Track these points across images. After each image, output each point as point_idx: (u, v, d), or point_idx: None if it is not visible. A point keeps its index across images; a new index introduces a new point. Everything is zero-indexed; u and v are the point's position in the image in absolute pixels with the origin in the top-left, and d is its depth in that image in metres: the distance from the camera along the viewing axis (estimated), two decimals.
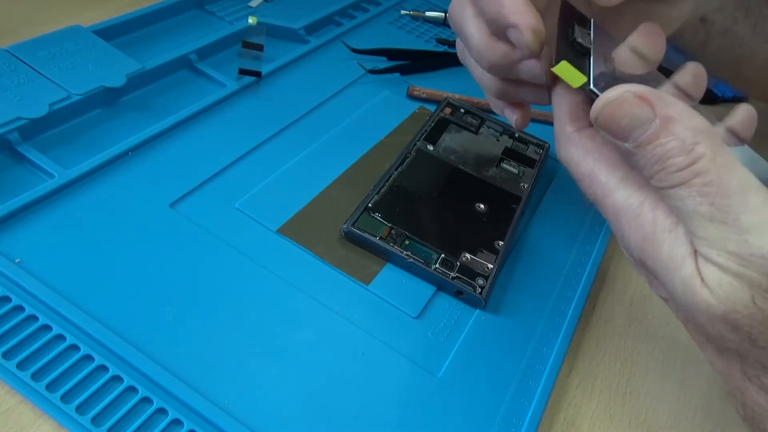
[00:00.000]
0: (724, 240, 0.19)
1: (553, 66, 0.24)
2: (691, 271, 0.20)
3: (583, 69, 0.24)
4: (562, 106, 0.26)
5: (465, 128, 0.42)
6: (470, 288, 0.31)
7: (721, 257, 0.19)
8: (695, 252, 0.20)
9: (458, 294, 0.31)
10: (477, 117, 0.43)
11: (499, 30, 0.26)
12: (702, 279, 0.20)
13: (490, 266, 0.32)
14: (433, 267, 0.31)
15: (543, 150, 0.42)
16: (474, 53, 0.28)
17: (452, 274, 0.31)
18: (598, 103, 0.21)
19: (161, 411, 0.24)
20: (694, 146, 0.20)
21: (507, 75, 0.28)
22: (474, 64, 0.30)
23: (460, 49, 0.32)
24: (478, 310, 0.32)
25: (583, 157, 0.24)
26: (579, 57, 0.24)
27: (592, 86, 0.23)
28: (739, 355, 0.21)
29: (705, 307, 0.20)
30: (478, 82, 0.31)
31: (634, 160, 0.21)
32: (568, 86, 0.24)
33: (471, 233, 0.34)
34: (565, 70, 0.24)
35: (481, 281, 0.31)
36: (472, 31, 0.27)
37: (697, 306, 0.20)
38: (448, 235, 0.33)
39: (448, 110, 0.43)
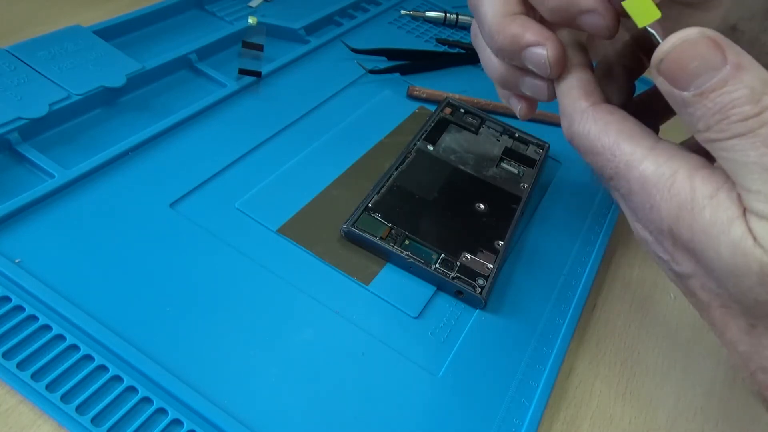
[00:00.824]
0: None
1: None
2: (741, 232, 0.20)
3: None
4: (573, 81, 0.25)
5: (465, 128, 0.42)
6: (470, 288, 0.31)
7: None
8: (744, 212, 0.20)
9: (458, 294, 0.31)
10: (477, 117, 0.43)
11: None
12: (755, 238, 0.19)
13: (490, 266, 0.32)
14: (433, 267, 0.31)
15: (543, 150, 0.42)
16: (486, 32, 0.27)
17: (452, 274, 0.31)
18: (665, 45, 0.20)
19: (161, 411, 0.24)
20: (762, 96, 0.19)
21: (514, 61, 0.27)
22: (483, 47, 0.29)
23: (474, 33, 0.31)
24: (478, 310, 0.32)
25: (603, 129, 0.23)
26: None
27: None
28: None
29: (758, 266, 0.19)
30: (485, 67, 0.30)
31: (688, 112, 0.20)
32: (580, 62, 0.24)
33: (471, 233, 0.34)
34: (636, 4, 0.21)
35: (481, 281, 0.31)
36: (487, 9, 0.27)
37: (749, 267, 0.19)
38: (448, 235, 0.33)
39: (448, 110, 0.43)
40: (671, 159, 0.22)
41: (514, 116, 0.45)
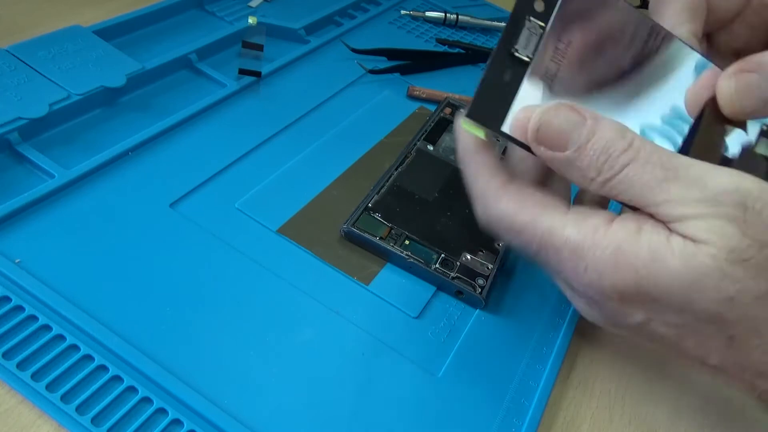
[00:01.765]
0: (686, 192, 0.20)
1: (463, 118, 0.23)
2: (680, 243, 0.20)
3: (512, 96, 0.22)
4: (480, 161, 0.25)
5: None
6: (470, 288, 0.31)
7: (694, 207, 0.20)
8: (668, 228, 0.21)
9: (458, 294, 0.31)
10: None
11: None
12: (693, 240, 0.20)
13: (490, 266, 0.32)
14: (433, 267, 0.31)
15: None
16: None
17: (452, 274, 0.31)
18: (534, 116, 0.22)
19: (161, 411, 0.24)
20: (624, 132, 0.21)
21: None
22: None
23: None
24: (478, 310, 0.32)
25: (519, 207, 0.24)
26: (516, 75, 0.22)
27: (507, 129, 0.22)
28: (757, 330, 0.21)
29: (711, 261, 0.20)
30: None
31: (576, 166, 0.22)
32: (483, 141, 0.24)
33: (471, 233, 0.34)
34: (472, 127, 0.23)
35: (481, 281, 0.31)
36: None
37: (706, 267, 0.20)
38: (448, 235, 0.33)
39: (448, 110, 0.43)
40: (588, 218, 0.23)
41: None
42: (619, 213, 0.23)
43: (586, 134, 0.21)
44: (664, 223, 0.21)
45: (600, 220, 0.22)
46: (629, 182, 0.21)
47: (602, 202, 0.26)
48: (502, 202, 0.24)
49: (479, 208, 0.25)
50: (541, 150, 0.22)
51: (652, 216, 0.21)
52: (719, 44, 0.29)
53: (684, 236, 0.20)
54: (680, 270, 0.20)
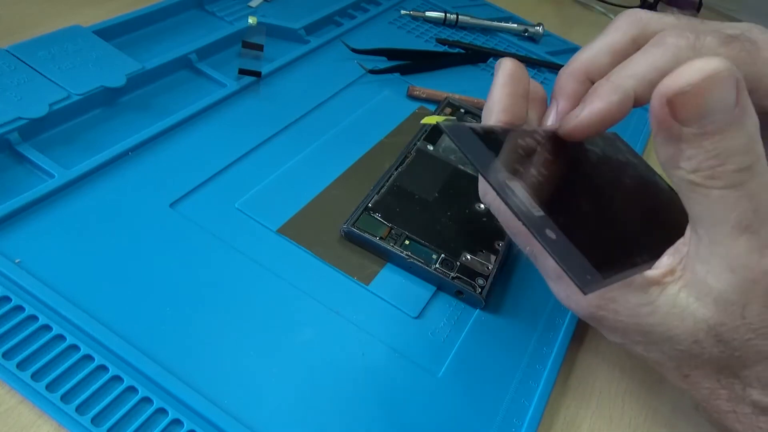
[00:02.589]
0: (751, 252, 0.19)
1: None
2: (682, 300, 0.21)
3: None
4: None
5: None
6: (470, 288, 0.31)
7: (726, 274, 0.20)
8: (673, 274, 0.21)
9: (458, 294, 0.31)
10: (477, 117, 0.43)
11: None
12: (695, 296, 0.21)
13: (490, 266, 0.32)
14: (433, 267, 0.31)
15: None
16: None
17: (452, 274, 0.31)
18: (691, 72, 0.18)
19: (161, 411, 0.24)
20: (755, 144, 0.18)
21: None
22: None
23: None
24: (478, 310, 0.32)
25: None
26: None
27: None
28: (706, 382, 0.23)
29: (695, 325, 0.21)
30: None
31: (678, 147, 0.18)
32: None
33: (471, 233, 0.34)
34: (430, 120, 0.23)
35: (481, 281, 0.31)
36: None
37: (687, 328, 0.21)
38: (448, 235, 0.33)
39: (448, 110, 0.43)
40: None
41: None
42: None
43: (721, 125, 0.18)
44: (674, 269, 0.21)
45: None
46: (712, 200, 0.19)
47: None
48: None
49: (480, 190, 0.26)
50: (658, 106, 0.18)
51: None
52: None
53: (685, 288, 0.21)
54: (660, 326, 0.21)
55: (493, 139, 0.22)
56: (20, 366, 0.23)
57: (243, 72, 0.41)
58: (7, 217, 0.28)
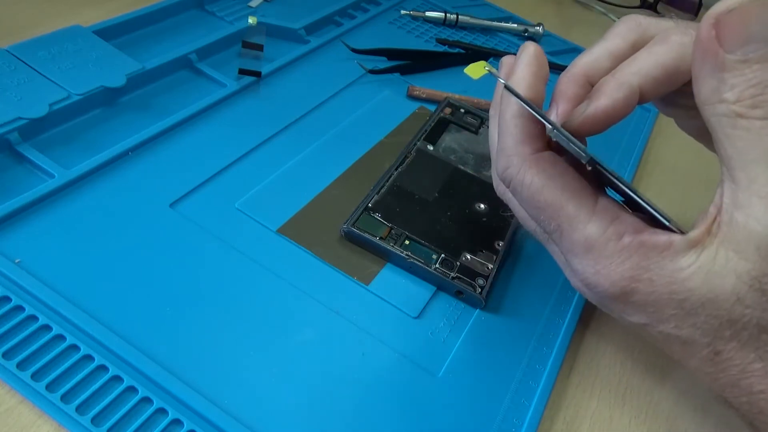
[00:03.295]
0: None
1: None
2: (709, 260, 0.20)
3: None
4: (516, 121, 0.24)
5: (465, 128, 0.42)
6: (470, 288, 0.31)
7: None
8: (708, 233, 0.20)
9: (458, 294, 0.31)
10: (477, 117, 0.43)
11: None
12: (735, 250, 0.19)
13: (490, 266, 0.32)
14: (433, 267, 0.31)
15: None
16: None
17: (452, 274, 0.31)
18: None
19: (161, 411, 0.24)
20: None
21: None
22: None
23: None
24: (478, 310, 0.32)
25: (546, 183, 0.22)
26: None
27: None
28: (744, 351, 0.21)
29: (732, 283, 0.19)
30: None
31: (720, 77, 0.18)
32: (529, 113, 0.23)
33: (471, 233, 0.34)
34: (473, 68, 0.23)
35: (481, 281, 0.31)
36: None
37: (725, 288, 0.19)
38: (448, 235, 0.33)
39: (448, 110, 0.43)
40: (615, 222, 0.21)
41: None
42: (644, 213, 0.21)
43: (766, 52, 0.18)
44: (710, 229, 0.20)
45: (626, 227, 0.21)
46: (754, 133, 0.18)
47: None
48: (529, 171, 0.23)
49: (501, 162, 0.23)
50: (705, 33, 0.19)
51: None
52: None
53: (719, 250, 0.20)
54: (700, 289, 0.20)
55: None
56: (20, 366, 0.23)
57: (243, 72, 0.41)
58: (7, 217, 0.28)
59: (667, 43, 0.24)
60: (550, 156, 0.24)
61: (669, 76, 0.24)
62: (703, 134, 0.25)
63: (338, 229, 0.32)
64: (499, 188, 0.28)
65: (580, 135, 0.24)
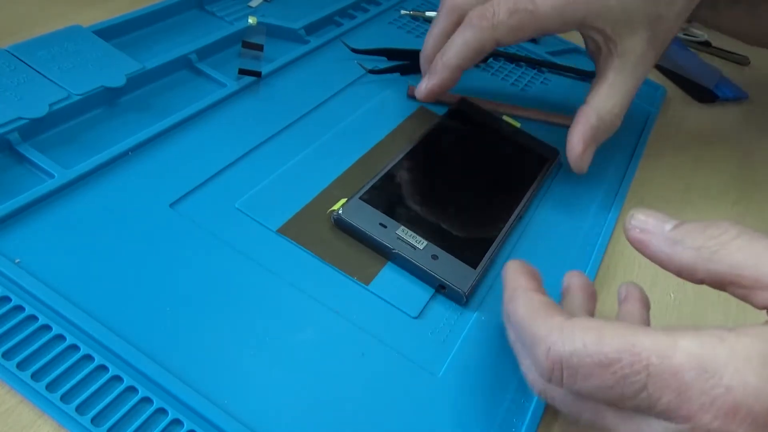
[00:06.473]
0: None
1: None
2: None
3: None
4: (535, 300, 0.24)
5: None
6: (452, 283, 0.31)
7: None
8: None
9: (441, 288, 0.31)
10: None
11: None
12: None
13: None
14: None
15: (550, 155, 0.42)
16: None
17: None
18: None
19: (161, 411, 0.24)
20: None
21: None
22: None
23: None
24: (477, 310, 0.32)
25: (602, 335, 0.20)
26: None
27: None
28: None
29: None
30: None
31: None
32: (533, 281, 0.26)
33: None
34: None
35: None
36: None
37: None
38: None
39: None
40: (699, 330, 0.19)
41: (518, 117, 0.46)
42: None
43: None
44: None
45: (716, 329, 0.19)
46: (735, 248, 0.21)
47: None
48: (577, 335, 0.20)
49: (541, 352, 0.21)
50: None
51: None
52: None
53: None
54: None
55: (375, 196, 0.33)
56: (20, 366, 0.23)
57: (243, 72, 0.41)
58: (7, 217, 0.28)
59: (470, 26, 0.36)
60: (582, 318, 0.22)
61: (477, 53, 0.37)
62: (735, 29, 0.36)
63: (338, 229, 0.33)
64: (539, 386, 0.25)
65: (428, 101, 0.42)
